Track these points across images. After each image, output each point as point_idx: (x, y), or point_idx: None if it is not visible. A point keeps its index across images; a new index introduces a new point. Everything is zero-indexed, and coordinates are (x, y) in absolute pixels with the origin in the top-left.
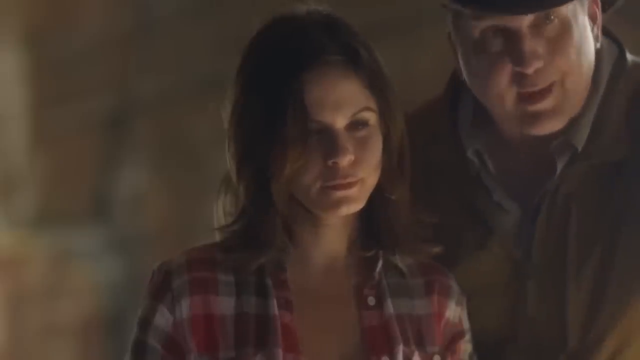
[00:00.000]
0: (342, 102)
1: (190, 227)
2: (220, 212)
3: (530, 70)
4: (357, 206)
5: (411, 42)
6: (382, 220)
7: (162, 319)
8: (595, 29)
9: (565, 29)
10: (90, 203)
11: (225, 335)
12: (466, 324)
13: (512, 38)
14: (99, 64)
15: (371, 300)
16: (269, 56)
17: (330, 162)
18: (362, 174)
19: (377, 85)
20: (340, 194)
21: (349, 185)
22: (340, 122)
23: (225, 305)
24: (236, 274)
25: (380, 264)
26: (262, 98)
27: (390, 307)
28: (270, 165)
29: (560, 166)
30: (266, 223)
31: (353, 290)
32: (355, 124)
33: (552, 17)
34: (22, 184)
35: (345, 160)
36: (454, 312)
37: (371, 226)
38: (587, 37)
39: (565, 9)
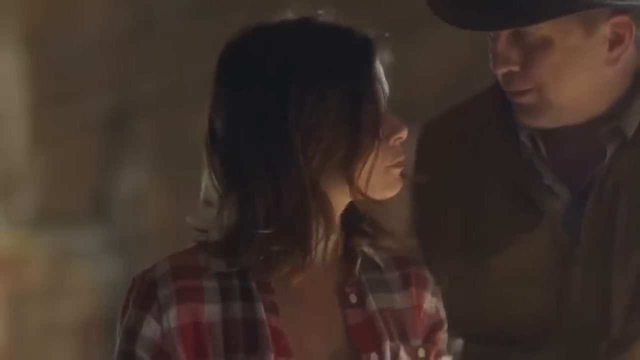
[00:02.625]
0: (387, 83)
1: (190, 227)
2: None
3: (498, 71)
4: None
5: (411, 42)
6: (366, 216)
7: (150, 329)
8: (618, 51)
9: (545, 45)
10: (90, 203)
11: (214, 342)
12: (442, 314)
13: (495, 38)
14: (99, 64)
15: (353, 298)
16: (339, 45)
17: (394, 140)
18: None
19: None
20: (399, 171)
21: (403, 163)
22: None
23: (212, 312)
24: (220, 279)
25: (359, 261)
26: (342, 84)
27: (372, 303)
28: (342, 158)
29: (609, 152)
30: (314, 229)
31: (335, 289)
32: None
33: (527, 33)
34: (22, 184)
35: (406, 135)
36: (431, 303)
37: (351, 225)
38: (579, 60)
39: (549, 28)
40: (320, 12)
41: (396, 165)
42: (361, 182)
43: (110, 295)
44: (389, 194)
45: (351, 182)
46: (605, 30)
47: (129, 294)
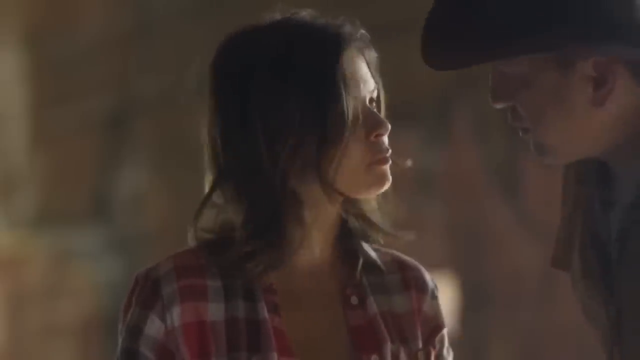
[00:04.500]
0: (368, 79)
1: (190, 227)
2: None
3: (495, 106)
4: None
5: (411, 42)
6: (362, 214)
7: (154, 327)
8: (603, 91)
9: (523, 83)
10: (90, 203)
11: (217, 341)
12: (442, 318)
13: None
14: (99, 64)
15: (354, 300)
16: (303, 44)
17: (373, 137)
18: None
19: (374, 70)
20: (385, 167)
21: (389, 159)
22: (367, 99)
23: (215, 311)
24: (223, 279)
25: (360, 263)
26: (306, 83)
27: (373, 305)
28: (312, 158)
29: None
30: (291, 231)
31: (336, 291)
32: (370, 103)
33: (506, 71)
34: (22, 184)
35: (388, 131)
36: (430, 306)
37: (346, 225)
38: (560, 99)
39: (522, 66)
40: (295, 10)
41: (378, 162)
42: (342, 181)
43: (110, 295)
44: (375, 191)
45: (323, 182)
46: (587, 68)
47: (131, 293)
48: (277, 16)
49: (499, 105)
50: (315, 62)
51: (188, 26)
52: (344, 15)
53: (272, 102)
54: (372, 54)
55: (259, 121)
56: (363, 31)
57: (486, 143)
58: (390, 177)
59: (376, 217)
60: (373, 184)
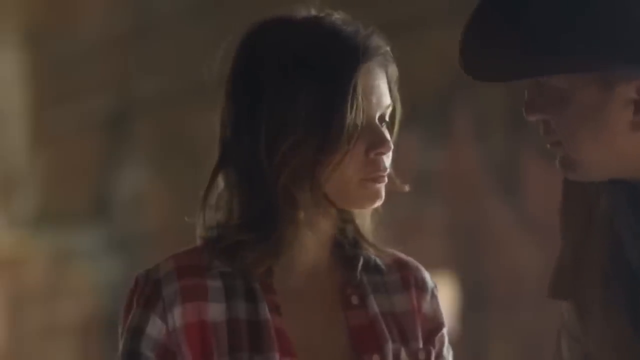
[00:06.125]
0: (383, 95)
1: (190, 227)
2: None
3: (528, 119)
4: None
5: (411, 42)
6: (354, 225)
7: (155, 328)
8: None
9: (561, 98)
10: (90, 203)
11: (219, 341)
12: (442, 317)
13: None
14: (99, 64)
15: (354, 300)
16: (327, 47)
17: (373, 154)
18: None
19: (393, 87)
20: (378, 186)
21: (385, 178)
22: (377, 115)
23: (216, 311)
24: (224, 279)
25: (361, 263)
26: (318, 85)
27: (373, 305)
28: (307, 161)
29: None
30: (282, 228)
31: (336, 291)
32: (381, 120)
33: (545, 83)
34: (22, 184)
35: (389, 151)
36: (430, 305)
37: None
38: (597, 119)
39: (563, 81)
40: (330, 11)
41: (373, 180)
42: (332, 191)
43: (110, 295)
44: (365, 206)
45: (312, 187)
46: (629, 91)
47: (132, 294)
48: (311, 12)
49: (532, 118)
50: (333, 67)
51: (188, 26)
52: (343, 14)
53: (282, 97)
54: (395, 71)
55: (267, 113)
56: (388, 48)
57: (486, 143)
58: (383, 196)
59: (366, 231)
60: (363, 199)
